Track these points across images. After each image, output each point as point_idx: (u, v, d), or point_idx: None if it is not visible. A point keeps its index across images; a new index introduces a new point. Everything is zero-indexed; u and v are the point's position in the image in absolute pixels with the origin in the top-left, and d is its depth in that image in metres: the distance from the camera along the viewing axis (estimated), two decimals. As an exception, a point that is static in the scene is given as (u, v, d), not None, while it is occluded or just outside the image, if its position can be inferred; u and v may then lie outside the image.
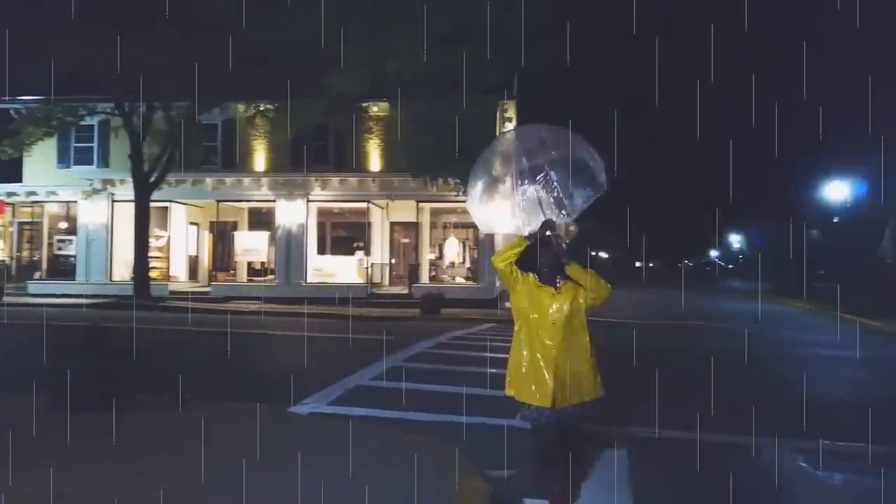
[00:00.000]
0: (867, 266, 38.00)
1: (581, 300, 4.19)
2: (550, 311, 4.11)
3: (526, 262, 4.13)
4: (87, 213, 23.17)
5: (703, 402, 7.42)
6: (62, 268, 23.46)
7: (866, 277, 30.98)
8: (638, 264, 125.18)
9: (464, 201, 19.64)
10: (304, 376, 8.90)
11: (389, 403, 7.33)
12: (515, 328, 4.25)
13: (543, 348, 4.10)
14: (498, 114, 23.23)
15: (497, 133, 24.12)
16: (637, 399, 7.50)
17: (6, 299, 19.76)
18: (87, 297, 20.93)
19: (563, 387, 4.02)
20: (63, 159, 23.50)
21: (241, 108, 22.09)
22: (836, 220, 40.65)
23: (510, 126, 26.97)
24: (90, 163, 23.42)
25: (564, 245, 4.16)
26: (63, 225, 24.07)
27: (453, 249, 24.17)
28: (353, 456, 4.96)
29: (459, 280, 23.61)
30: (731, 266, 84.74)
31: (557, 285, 4.18)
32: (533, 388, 4.07)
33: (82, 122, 22.08)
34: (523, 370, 4.13)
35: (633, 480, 5.09)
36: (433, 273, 23.92)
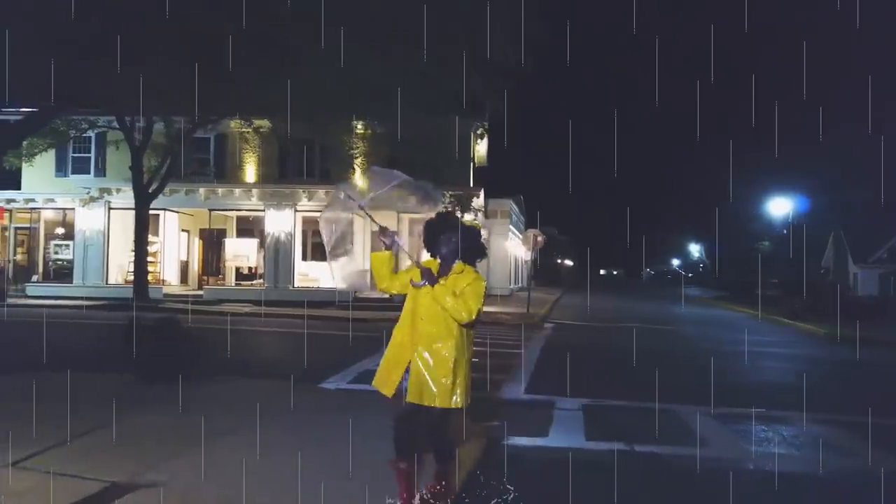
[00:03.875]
0: (811, 275, 40.96)
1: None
2: (421, 303, 4.02)
3: (431, 243, 4.13)
4: (85, 220, 24.44)
5: (643, 383, 9.41)
6: (59, 271, 24.68)
7: (809, 285, 33.81)
8: (602, 272, 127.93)
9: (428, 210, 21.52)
10: (319, 363, 10.66)
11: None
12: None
13: (403, 340, 4.05)
14: (472, 133, 25.22)
15: (472, 149, 26.13)
16: (593, 380, 9.48)
17: (9, 300, 21.00)
18: (85, 299, 22.24)
19: (413, 384, 3.95)
20: (61, 168, 24.76)
21: (233, 123, 23.62)
22: (784, 232, 43.69)
23: (483, 143, 29.04)
24: (87, 172, 24.75)
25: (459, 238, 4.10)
26: (60, 231, 25.27)
27: (426, 257, 26.01)
28: (376, 410, 6.76)
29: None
30: (690, 275, 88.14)
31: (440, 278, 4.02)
32: (387, 377, 4.06)
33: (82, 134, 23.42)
34: (386, 360, 4.11)
35: (586, 431, 6.99)
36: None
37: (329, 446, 5.48)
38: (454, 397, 3.91)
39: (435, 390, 3.88)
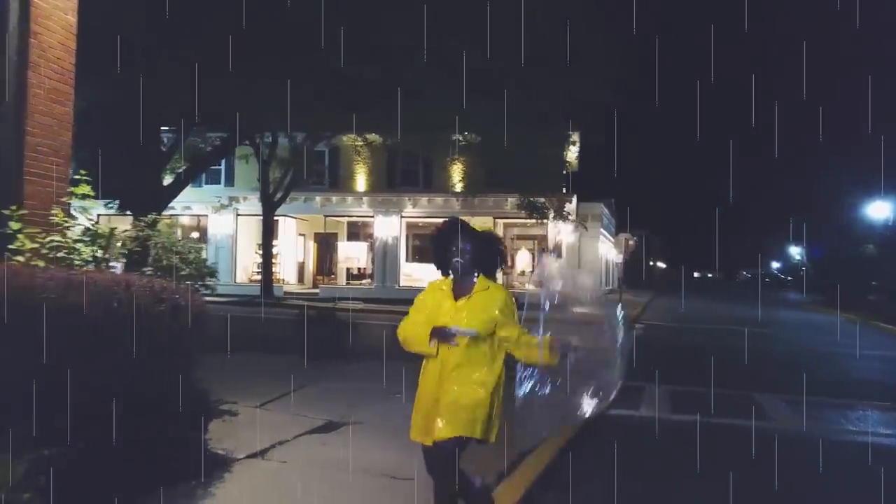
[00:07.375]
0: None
1: (493, 318, 3.42)
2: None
3: (441, 258, 3.52)
4: (216, 225, 27.57)
5: (725, 375, 10.70)
6: (194, 271, 27.91)
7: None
8: (696, 274, 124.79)
9: (537, 220, 23.05)
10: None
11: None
12: None
13: (425, 373, 3.52)
14: (565, 143, 26.52)
15: (564, 157, 27.45)
16: (681, 372, 10.85)
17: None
18: (217, 296, 25.15)
19: (431, 418, 3.39)
20: (196, 179, 27.93)
21: (346, 137, 26.04)
22: (889, 235, 42.36)
23: (574, 150, 30.29)
24: (219, 182, 27.88)
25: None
26: (195, 235, 28.53)
27: (524, 260, 27.66)
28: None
29: (529, 286, 26.99)
30: (789, 278, 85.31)
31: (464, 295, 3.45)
32: (426, 425, 3.44)
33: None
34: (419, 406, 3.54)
35: (671, 407, 8.43)
36: (505, 280, 27.39)
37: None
38: (486, 429, 3.41)
39: (466, 424, 3.34)
